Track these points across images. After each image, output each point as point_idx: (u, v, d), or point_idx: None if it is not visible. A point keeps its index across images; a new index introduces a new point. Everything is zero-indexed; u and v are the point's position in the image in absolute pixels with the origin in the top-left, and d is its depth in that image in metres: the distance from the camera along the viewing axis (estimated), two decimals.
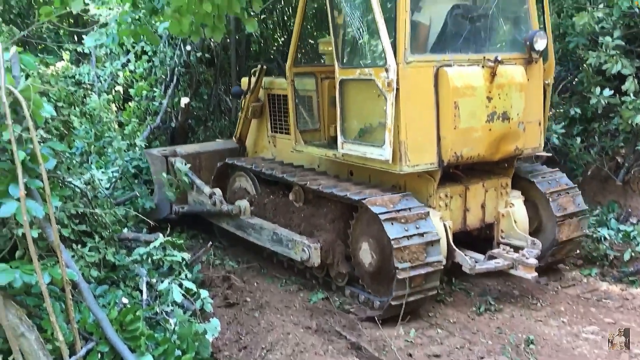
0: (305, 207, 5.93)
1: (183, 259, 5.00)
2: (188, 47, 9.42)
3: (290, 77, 6.01)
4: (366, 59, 5.20)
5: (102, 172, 7.31)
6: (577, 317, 5.07)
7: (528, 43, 5.33)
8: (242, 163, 6.83)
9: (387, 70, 4.70)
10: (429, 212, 4.93)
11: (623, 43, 6.58)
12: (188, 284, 4.65)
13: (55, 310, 3.29)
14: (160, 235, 5.14)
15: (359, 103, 5.24)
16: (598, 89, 6.68)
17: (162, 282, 4.59)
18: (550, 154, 6.86)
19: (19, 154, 3.03)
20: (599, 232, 6.43)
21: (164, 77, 9.59)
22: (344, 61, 5.36)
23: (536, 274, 5.08)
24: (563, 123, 7.45)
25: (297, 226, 5.88)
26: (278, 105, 6.84)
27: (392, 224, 4.69)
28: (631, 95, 6.39)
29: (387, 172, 5.19)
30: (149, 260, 4.99)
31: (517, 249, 5.23)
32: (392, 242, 4.60)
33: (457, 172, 5.45)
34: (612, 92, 6.62)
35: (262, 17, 12.26)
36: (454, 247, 5.13)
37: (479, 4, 5.64)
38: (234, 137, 7.66)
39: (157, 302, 4.41)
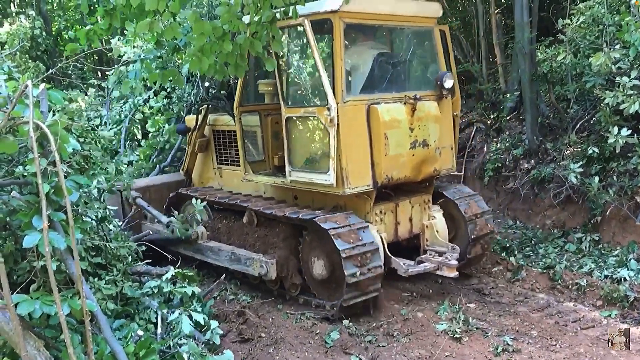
0: (258, 229, 6.71)
1: (193, 292, 5.02)
2: (207, 84, 9.61)
3: (238, 115, 6.83)
4: (309, 100, 6.21)
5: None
6: None
7: (439, 82, 6.38)
8: (195, 193, 7.42)
9: (329, 109, 5.59)
10: (368, 225, 5.87)
11: None
12: (197, 316, 4.67)
13: (73, 342, 3.31)
14: (172, 268, 5.19)
15: (304, 137, 6.10)
16: (616, 129, 6.66)
17: (172, 312, 4.62)
18: (460, 174, 7.99)
19: (43, 187, 3.10)
20: (618, 272, 6.37)
21: (180, 114, 9.75)
22: (289, 102, 6.22)
23: (457, 273, 6.07)
24: (581, 162, 7.43)
25: (251, 246, 6.68)
26: (223, 139, 7.68)
27: (339, 237, 5.54)
28: None
29: (329, 195, 6.11)
30: (160, 293, 5.01)
31: (440, 253, 6.22)
32: (342, 252, 5.45)
33: (387, 192, 6.43)
34: (630, 131, 6.61)
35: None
36: (390, 255, 6.07)
37: (398, 51, 6.68)
38: (181, 170, 8.40)
39: (170, 335, 4.42)
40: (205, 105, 7.77)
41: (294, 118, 6.08)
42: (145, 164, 9.56)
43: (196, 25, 4.73)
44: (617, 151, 6.77)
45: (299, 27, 5.95)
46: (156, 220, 7.24)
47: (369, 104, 5.91)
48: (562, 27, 7.79)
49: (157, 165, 9.45)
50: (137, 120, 10.24)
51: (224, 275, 6.26)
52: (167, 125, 9.76)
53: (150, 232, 7.07)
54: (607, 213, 7.27)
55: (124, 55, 9.48)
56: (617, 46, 6.90)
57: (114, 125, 10.39)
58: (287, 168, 6.20)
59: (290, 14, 4.93)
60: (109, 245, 5.10)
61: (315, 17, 5.75)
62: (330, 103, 5.56)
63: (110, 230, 5.57)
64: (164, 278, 5.03)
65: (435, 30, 6.62)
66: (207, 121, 7.83)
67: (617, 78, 6.70)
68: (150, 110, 10.07)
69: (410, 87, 6.48)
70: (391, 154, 5.96)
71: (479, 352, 5.15)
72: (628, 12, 6.91)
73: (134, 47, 9.32)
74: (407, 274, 6.00)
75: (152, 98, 10.07)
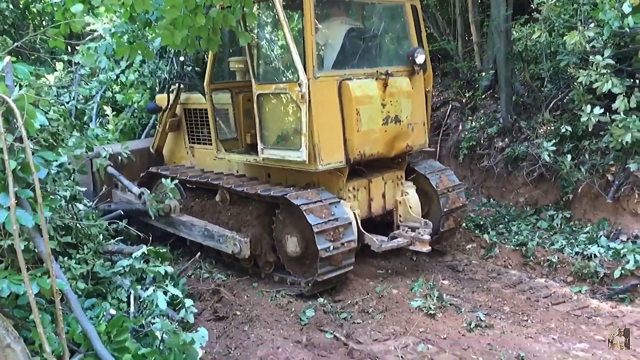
0: (231, 207, 6.71)
1: (166, 271, 4.95)
2: (182, 58, 9.44)
3: (209, 93, 6.75)
4: (280, 76, 6.10)
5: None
6: (567, 334, 5.06)
7: (410, 58, 6.35)
8: (167, 172, 7.41)
9: (300, 85, 5.52)
10: (339, 200, 5.86)
11: (613, 62, 6.63)
12: (174, 291, 4.64)
13: (43, 322, 3.25)
14: (144, 246, 5.10)
15: (275, 113, 6.04)
16: (589, 107, 6.73)
17: (146, 289, 4.56)
18: (433, 149, 7.87)
19: (10, 163, 3.01)
20: (589, 249, 6.49)
21: (154, 88, 9.58)
22: (260, 78, 6.17)
23: (430, 247, 6.12)
24: (554, 140, 7.50)
25: (224, 224, 6.64)
26: (194, 118, 7.59)
27: (311, 213, 5.54)
28: (621, 113, 6.44)
29: (302, 172, 6.09)
30: (132, 272, 4.93)
31: (413, 229, 6.25)
32: (313, 227, 5.44)
33: (360, 168, 6.40)
34: (603, 110, 6.67)
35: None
36: (363, 231, 6.09)
37: (369, 27, 6.61)
38: (151, 148, 8.20)
39: (143, 313, 4.37)
40: (177, 84, 7.66)
41: (265, 94, 6.02)
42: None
43: None
44: (589, 129, 6.87)
45: (268, 1, 5.85)
46: (127, 190, 7.12)
47: (341, 80, 5.86)
48: (537, 6, 7.80)
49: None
50: (106, 97, 10.01)
51: (199, 253, 6.19)
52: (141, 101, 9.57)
53: (122, 212, 6.97)
54: (579, 191, 7.38)
55: (93, 29, 9.25)
56: (592, 25, 6.94)
57: (85, 101, 10.17)
58: (259, 145, 6.17)
59: None
60: (79, 224, 5.01)
61: None
62: (301, 79, 5.49)
63: (80, 209, 5.46)
64: (135, 256, 4.94)
65: (407, 5, 6.57)
66: (179, 100, 7.74)
67: (591, 57, 6.75)
68: (121, 86, 9.86)
69: (381, 63, 6.45)
70: (363, 130, 5.93)
71: (452, 327, 5.21)
72: None
73: (104, 22, 9.09)
74: (381, 249, 6.03)
75: (123, 72, 9.85)
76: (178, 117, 7.81)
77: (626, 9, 6.31)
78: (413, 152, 6.78)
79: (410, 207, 6.55)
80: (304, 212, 5.53)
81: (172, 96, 7.66)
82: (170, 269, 5.02)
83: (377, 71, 6.05)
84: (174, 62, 9.50)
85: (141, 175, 7.66)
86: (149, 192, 6.96)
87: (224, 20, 5.02)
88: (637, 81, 6.69)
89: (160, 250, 5.15)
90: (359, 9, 6.68)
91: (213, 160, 7.12)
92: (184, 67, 9.51)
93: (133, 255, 4.95)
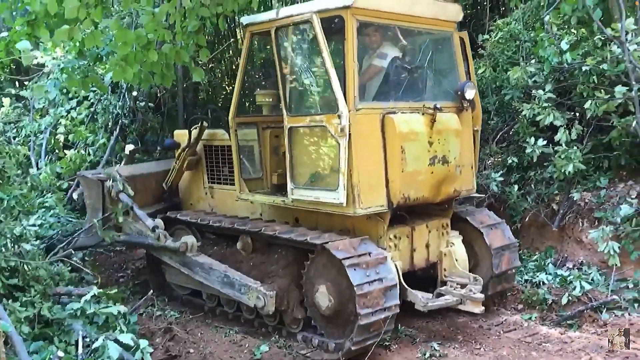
0: (254, 256, 5.99)
1: (119, 311, 4.82)
2: (134, 93, 9.38)
3: (233, 127, 6.06)
4: (316, 107, 5.42)
5: (34, 225, 6.96)
6: None
7: (459, 92, 5.71)
8: (185, 217, 6.76)
9: (339, 117, 4.90)
10: (387, 256, 5.12)
11: (554, 96, 6.96)
12: (124, 339, 4.46)
13: None
14: (94, 287, 4.96)
15: (309, 149, 5.37)
16: (533, 139, 6.99)
17: (96, 339, 4.38)
18: (482, 196, 7.19)
19: None
20: (537, 276, 6.62)
21: (106, 124, 9.45)
22: (292, 109, 5.50)
23: (483, 308, 5.42)
24: (501, 171, 7.73)
25: (246, 275, 5.78)
26: (216, 156, 6.83)
27: (354, 269, 4.81)
28: (563, 145, 6.70)
29: (335, 216, 5.34)
30: (83, 314, 4.78)
31: (462, 285, 5.53)
32: (356, 288, 4.73)
33: (402, 214, 5.68)
34: (546, 142, 6.94)
35: (210, 65, 12.38)
36: (405, 286, 5.33)
37: (415, 56, 6.01)
38: (164, 184, 7.38)
39: (93, 355, 4.24)
40: (200, 122, 6.88)
41: (298, 128, 5.37)
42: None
43: (119, 33, 4.64)
44: (534, 160, 7.10)
45: (305, 25, 5.27)
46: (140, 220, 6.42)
47: (384, 113, 5.23)
48: (482, 43, 8.13)
49: None
50: (57, 133, 9.81)
51: (151, 291, 5.97)
52: (91, 137, 9.42)
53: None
54: (526, 220, 7.57)
55: (43, 63, 9.12)
56: (533, 61, 7.30)
57: (34, 137, 9.96)
58: (289, 185, 5.45)
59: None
60: (26, 266, 4.86)
61: (324, 13, 5.10)
62: (341, 110, 4.89)
63: (28, 250, 5.29)
64: (84, 299, 4.80)
65: (455, 36, 5.99)
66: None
67: (533, 91, 7.06)
68: (73, 122, 9.70)
69: (428, 96, 5.79)
70: (408, 171, 5.25)
71: (407, 358, 5.23)
72: (542, 29, 7.32)
73: (53, 58, 8.96)
74: (426, 308, 5.28)
75: (75, 109, 9.70)
76: (197, 156, 7.03)
77: (564, 46, 6.68)
78: (459, 198, 6.15)
79: (456, 260, 5.82)
80: (347, 269, 4.79)
81: (194, 132, 6.85)
82: (122, 309, 4.91)
83: (423, 105, 5.43)
84: (127, 97, 9.44)
85: (158, 216, 6.89)
86: (163, 225, 6.36)
87: (176, 56, 5.07)
88: (577, 114, 7.02)
89: (111, 291, 5.03)
90: (405, 36, 6.00)
91: (234, 203, 6.41)
92: (137, 102, 9.47)
93: (83, 299, 4.81)
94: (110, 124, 9.51)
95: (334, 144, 5.04)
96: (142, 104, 9.67)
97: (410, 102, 5.55)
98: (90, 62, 6.14)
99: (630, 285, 6.18)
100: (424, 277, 5.96)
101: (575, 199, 6.88)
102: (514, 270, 6.22)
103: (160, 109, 10.41)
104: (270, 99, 6.30)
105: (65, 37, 4.51)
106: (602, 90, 6.54)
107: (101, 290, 4.97)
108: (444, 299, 5.44)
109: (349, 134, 4.92)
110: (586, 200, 6.87)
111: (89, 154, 9.31)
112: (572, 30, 6.94)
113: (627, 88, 6.22)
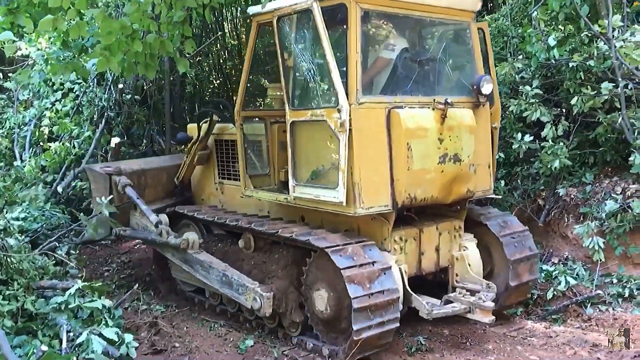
0: (256, 254, 5.77)
1: (104, 305, 4.77)
2: (120, 86, 9.28)
3: (239, 121, 5.83)
4: (317, 100, 5.11)
5: (18, 219, 6.84)
6: (504, 355, 5.13)
7: (475, 87, 5.39)
8: (192, 213, 6.58)
9: (339, 111, 4.64)
10: (390, 266, 4.84)
11: (541, 92, 6.99)
12: (108, 333, 4.42)
13: None
14: (78, 281, 4.91)
15: (310, 145, 5.12)
16: (519, 135, 7.02)
17: (80, 334, 4.34)
18: (499, 196, 6.96)
19: None
20: None
21: (92, 117, 9.35)
22: (295, 103, 5.28)
23: (494, 317, 5.15)
24: None
25: (246, 274, 5.56)
26: (227, 151, 6.62)
27: (354, 282, 4.53)
28: (550, 141, 6.75)
29: (340, 216, 5.05)
30: (68, 308, 4.73)
31: (473, 292, 5.24)
32: (353, 301, 4.47)
33: (410, 215, 5.38)
34: (533, 137, 6.97)
35: (197, 59, 12.30)
36: (410, 291, 5.06)
37: (426, 47, 5.74)
38: (175, 179, 7.16)
39: (77, 349, 4.20)
40: (211, 116, 6.60)
41: (300, 122, 5.09)
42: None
43: (103, 23, 4.58)
44: (520, 156, 7.15)
45: (306, 14, 4.99)
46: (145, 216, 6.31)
47: (390, 108, 4.92)
48: None
49: (72, 170, 8.95)
50: (41, 125, 9.69)
51: (136, 285, 5.92)
52: (76, 130, 9.31)
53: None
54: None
55: (28, 54, 9.01)
56: (520, 57, 7.33)
57: (18, 129, 9.85)
58: (291, 182, 5.19)
59: None
60: (9, 259, 4.80)
61: (326, 1, 4.84)
62: (341, 104, 4.61)
63: (12, 244, 5.23)
64: (69, 293, 4.74)
65: (473, 27, 5.64)
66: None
67: (521, 87, 7.08)
68: (58, 115, 9.59)
69: (440, 91, 5.45)
70: (415, 169, 4.93)
71: (394, 352, 5.21)
72: (530, 25, 7.34)
73: (38, 49, 8.84)
74: (431, 316, 4.99)
75: (59, 101, 9.59)
76: (209, 151, 6.82)
77: (551, 42, 6.71)
78: (474, 199, 5.79)
79: (469, 265, 5.48)
80: (345, 280, 4.51)
81: (204, 126, 6.60)
82: (108, 302, 4.87)
83: (434, 100, 5.06)
84: (112, 90, 9.35)
85: (166, 211, 6.74)
86: (167, 221, 6.21)
87: (161, 47, 5.01)
88: (564, 110, 7.05)
89: (96, 284, 4.98)
90: (416, 26, 5.68)
91: (242, 199, 6.14)
92: (123, 94, 9.38)
93: (67, 293, 4.76)
94: (95, 116, 9.40)
95: (334, 140, 4.77)
96: (128, 96, 9.59)
97: (420, 96, 5.22)
98: (75, 53, 6.04)
99: (615, 281, 6.21)
100: (435, 282, 5.69)
101: (561, 194, 6.93)
102: (531, 283, 5.87)
103: (147, 102, 10.32)
104: (280, 93, 5.98)
105: (49, 27, 4.44)
106: (588, 87, 6.65)
107: (86, 283, 4.91)
108: (450, 306, 5.15)
109: (350, 129, 4.65)
110: (572, 196, 6.91)
111: (74, 147, 9.19)
112: (560, 26, 7.00)
113: (614, 84, 6.32)
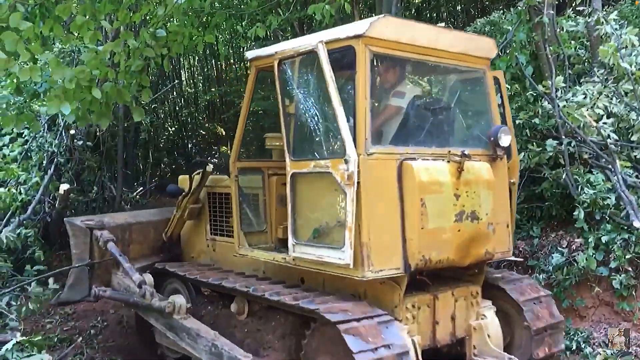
0: (250, 321, 5.21)
1: None
2: (72, 131, 9.11)
3: (234, 172, 5.41)
4: (322, 150, 4.63)
5: None
6: None
7: (492, 139, 5.00)
8: (174, 269, 6.11)
9: (346, 162, 4.18)
10: (393, 319, 4.38)
11: None
12: None
13: None
14: (17, 334, 4.66)
15: (313, 199, 4.64)
16: None
17: None
18: (521, 259, 6.65)
19: None
20: None
21: (41, 162, 9.08)
22: (296, 153, 4.77)
23: None
24: None
25: (239, 343, 4.99)
26: (220, 205, 6.16)
27: (353, 334, 4.02)
28: None
29: (345, 279, 4.52)
30: None
31: None
32: (356, 356, 3.90)
33: (423, 279, 4.89)
34: None
35: (152, 106, 12.26)
36: None
37: (440, 96, 5.43)
38: (163, 235, 6.67)
39: None
40: (205, 167, 6.09)
41: (302, 174, 4.62)
42: None
43: (56, 69, 4.51)
44: None
45: (310, 56, 4.59)
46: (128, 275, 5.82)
47: (402, 159, 4.49)
48: None
49: (17, 217, 8.58)
50: None
51: (80, 338, 5.62)
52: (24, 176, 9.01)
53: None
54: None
55: None
56: None
57: None
58: (290, 241, 4.66)
59: None
60: None
61: (333, 44, 4.47)
62: (348, 154, 4.16)
63: None
64: (6, 348, 4.48)
65: (488, 74, 5.29)
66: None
67: None
68: (5, 160, 9.29)
69: (454, 142, 5.08)
70: (430, 228, 4.45)
71: None
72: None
73: None
74: None
75: (7, 146, 9.31)
76: (200, 205, 6.36)
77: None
78: (493, 261, 5.35)
79: (488, 335, 4.95)
80: (343, 334, 3.99)
81: (196, 178, 6.10)
82: (47, 357, 4.64)
83: (449, 152, 4.62)
84: (64, 135, 9.16)
85: (148, 270, 6.21)
86: (152, 281, 5.75)
87: (118, 95, 4.98)
88: None
89: (35, 338, 4.74)
90: (429, 73, 5.38)
91: (235, 258, 5.59)
92: (74, 140, 9.18)
93: (4, 348, 4.50)
94: (45, 162, 9.14)
95: (341, 194, 4.29)
96: (80, 142, 9.38)
97: (434, 147, 4.79)
98: (27, 98, 5.90)
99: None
100: (451, 355, 5.15)
101: None
102: (555, 355, 5.35)
103: (99, 149, 10.13)
104: (279, 143, 5.61)
105: (1, 66, 4.35)
106: (534, 143, 6.90)
107: (24, 338, 4.67)
108: None
109: (358, 182, 4.18)
110: (520, 249, 7.04)
111: (20, 193, 8.86)
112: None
113: (558, 142, 6.59)
